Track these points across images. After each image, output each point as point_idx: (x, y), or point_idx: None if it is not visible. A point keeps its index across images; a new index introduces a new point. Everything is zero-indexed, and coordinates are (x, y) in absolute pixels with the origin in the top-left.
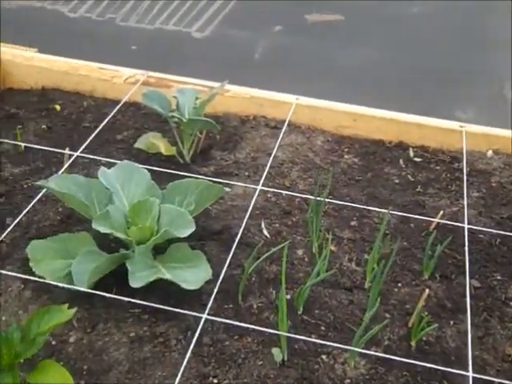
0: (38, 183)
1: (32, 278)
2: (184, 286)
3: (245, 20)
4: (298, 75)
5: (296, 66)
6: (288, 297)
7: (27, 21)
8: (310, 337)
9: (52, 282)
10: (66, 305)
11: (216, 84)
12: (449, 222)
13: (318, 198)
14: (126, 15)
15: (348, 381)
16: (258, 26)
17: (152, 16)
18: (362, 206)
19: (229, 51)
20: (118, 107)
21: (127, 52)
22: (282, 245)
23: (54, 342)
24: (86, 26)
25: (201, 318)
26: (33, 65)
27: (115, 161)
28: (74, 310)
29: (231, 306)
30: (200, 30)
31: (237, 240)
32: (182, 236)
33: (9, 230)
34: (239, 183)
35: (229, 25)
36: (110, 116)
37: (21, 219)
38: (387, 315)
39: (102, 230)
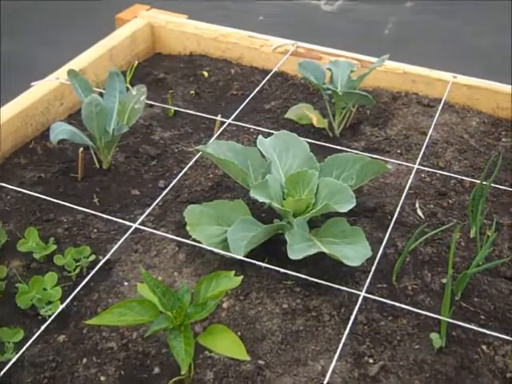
0: (197, 148)
1: (186, 241)
2: (346, 261)
3: None
4: (430, 52)
5: (426, 43)
6: (443, 281)
7: None
8: (469, 325)
9: (206, 247)
10: (233, 272)
11: (367, 58)
12: None
13: (484, 182)
14: None
15: (510, 375)
16: (388, 1)
17: None
18: None
19: (358, 25)
20: (268, 77)
21: (255, 22)
22: (443, 227)
23: None
24: None
25: (358, 295)
26: (182, 31)
27: (263, 129)
28: (241, 278)
29: (385, 285)
30: (329, 3)
31: (394, 219)
32: (343, 211)
33: (164, 193)
34: (392, 160)
35: None
36: (260, 85)
37: (172, 183)
38: None
39: (260, 199)
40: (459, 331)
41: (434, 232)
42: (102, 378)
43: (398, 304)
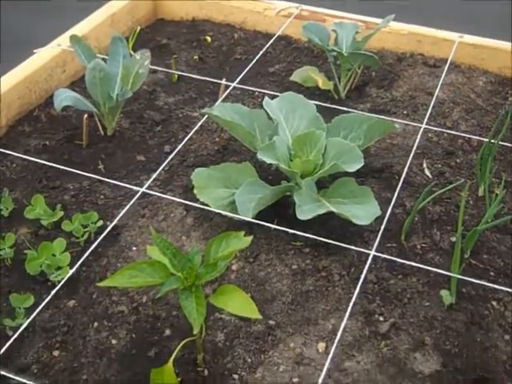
0: (203, 111)
1: (194, 204)
2: (355, 221)
3: None
4: (436, 15)
5: (432, 4)
6: (453, 239)
7: None
8: (479, 281)
9: (214, 210)
10: (243, 232)
11: (372, 19)
12: None
13: (492, 141)
14: None
15: None
16: None
17: None
18: None
19: None
20: (271, 40)
21: None
22: (452, 185)
23: None
24: None
25: (367, 254)
26: None
27: (268, 92)
28: (250, 238)
29: (394, 245)
30: None
31: (402, 179)
32: (351, 171)
33: (170, 158)
34: (399, 120)
35: None
36: (264, 49)
37: (178, 147)
38: None
39: (268, 160)
40: (469, 288)
41: (443, 190)
42: (114, 341)
43: (407, 262)
